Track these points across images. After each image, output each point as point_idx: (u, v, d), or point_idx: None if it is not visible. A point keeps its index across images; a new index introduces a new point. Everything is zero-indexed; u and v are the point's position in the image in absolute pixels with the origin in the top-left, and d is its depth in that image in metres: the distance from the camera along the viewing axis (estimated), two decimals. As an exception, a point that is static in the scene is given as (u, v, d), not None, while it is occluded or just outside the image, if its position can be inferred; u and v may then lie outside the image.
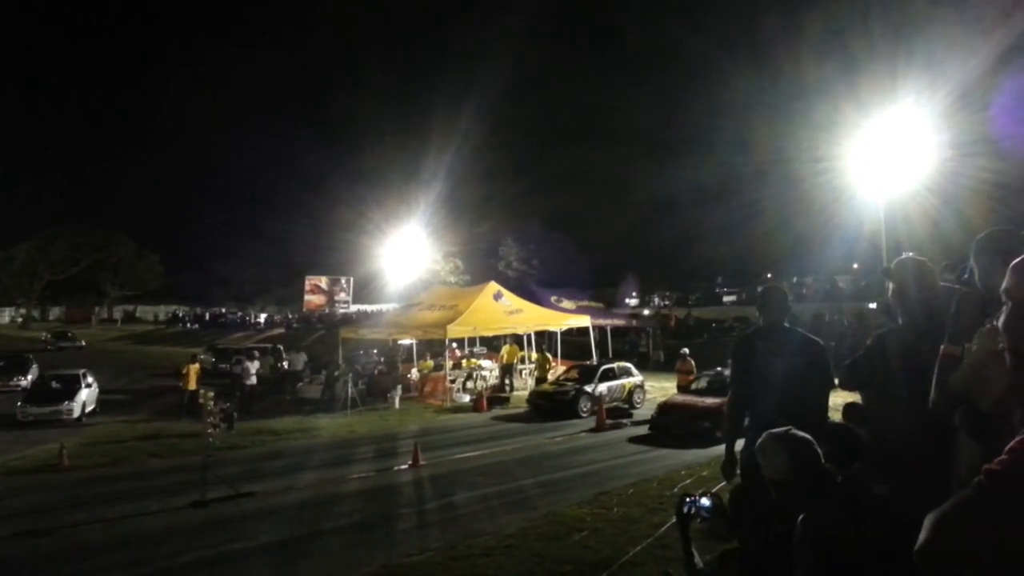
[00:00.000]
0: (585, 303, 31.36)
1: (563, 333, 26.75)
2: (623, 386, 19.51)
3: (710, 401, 15.19)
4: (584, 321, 26.49)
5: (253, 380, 21.33)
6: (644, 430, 15.61)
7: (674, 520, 3.23)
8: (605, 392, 18.70)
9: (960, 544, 1.37)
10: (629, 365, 20.96)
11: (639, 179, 77.30)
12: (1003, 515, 1.30)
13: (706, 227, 54.49)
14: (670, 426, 15.10)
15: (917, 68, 20.42)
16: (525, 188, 58.32)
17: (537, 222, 52.61)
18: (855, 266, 44.14)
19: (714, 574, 3.25)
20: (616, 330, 31.38)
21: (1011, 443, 1.36)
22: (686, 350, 20.93)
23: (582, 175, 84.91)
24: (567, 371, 21.49)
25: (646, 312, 44.81)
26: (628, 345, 32.68)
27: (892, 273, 3.48)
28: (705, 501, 3.07)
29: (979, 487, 1.35)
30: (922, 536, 1.38)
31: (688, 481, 10.40)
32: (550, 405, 18.80)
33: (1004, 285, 1.50)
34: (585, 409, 18.28)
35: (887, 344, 3.45)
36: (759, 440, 2.82)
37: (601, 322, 29.26)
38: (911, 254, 3.49)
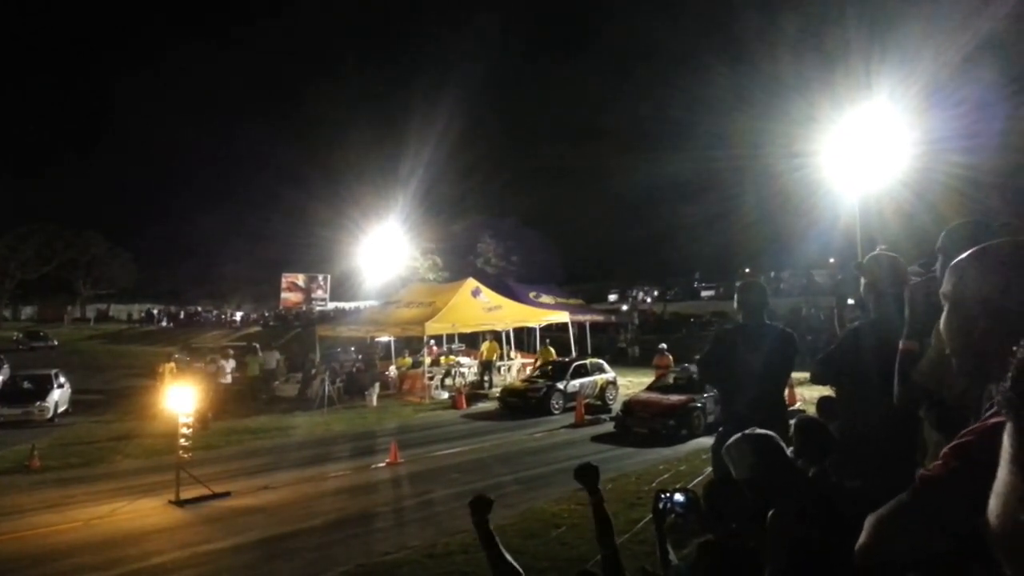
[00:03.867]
0: (563, 299, 31.36)
1: (543, 329, 26.75)
2: (595, 382, 19.35)
3: (675, 398, 14.97)
4: (563, 317, 26.50)
5: (228, 379, 21.13)
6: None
7: (651, 516, 3.24)
8: (577, 389, 18.53)
9: (896, 546, 1.38)
10: (601, 361, 20.84)
11: (617, 175, 77.61)
12: (936, 518, 1.30)
13: (684, 222, 54.67)
14: (633, 425, 14.83)
15: (891, 64, 20.60)
16: (503, 184, 58.26)
17: (515, 218, 52.48)
18: (831, 260, 44.53)
19: (689, 569, 3.26)
20: (595, 325, 31.46)
21: (944, 448, 1.36)
22: (664, 345, 20.99)
23: (560, 171, 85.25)
24: (536, 368, 21.48)
25: (624, 307, 44.97)
26: (608, 341, 32.85)
27: (864, 269, 3.51)
28: (680, 497, 3.07)
29: (913, 491, 1.34)
30: (861, 537, 1.39)
31: (666, 476, 10.44)
32: (521, 402, 18.50)
33: (942, 287, 1.44)
34: (557, 406, 18.10)
35: (860, 338, 3.48)
36: (727, 443, 2.83)
37: (580, 318, 29.31)
38: (883, 247, 3.52)
